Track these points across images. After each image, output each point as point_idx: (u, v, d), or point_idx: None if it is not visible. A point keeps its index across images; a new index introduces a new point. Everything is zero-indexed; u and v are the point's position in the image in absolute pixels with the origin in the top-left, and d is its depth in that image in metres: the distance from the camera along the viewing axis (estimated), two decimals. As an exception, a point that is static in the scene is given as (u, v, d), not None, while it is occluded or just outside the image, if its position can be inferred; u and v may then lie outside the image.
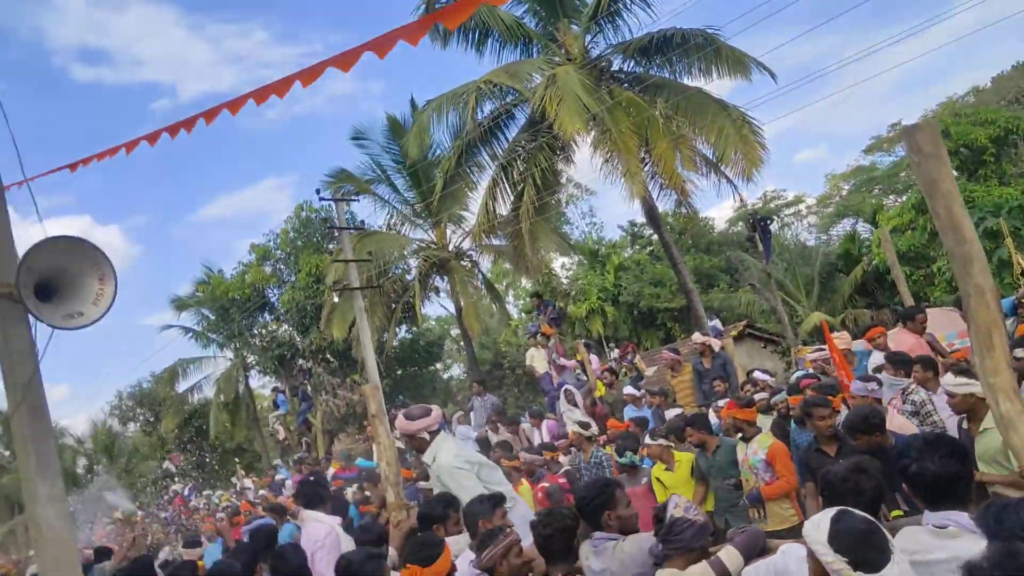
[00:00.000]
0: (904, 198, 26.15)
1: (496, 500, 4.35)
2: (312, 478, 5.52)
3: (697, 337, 11.77)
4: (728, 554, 3.46)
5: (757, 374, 10.47)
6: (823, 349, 9.29)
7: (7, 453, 41.74)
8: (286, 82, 4.54)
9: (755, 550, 3.50)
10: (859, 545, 2.39)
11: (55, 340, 5.56)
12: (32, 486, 5.33)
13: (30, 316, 5.50)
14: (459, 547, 4.25)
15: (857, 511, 2.57)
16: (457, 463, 4.90)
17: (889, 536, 2.46)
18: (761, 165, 16.07)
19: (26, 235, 5.64)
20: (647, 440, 7.43)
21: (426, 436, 5.08)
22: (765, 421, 7.78)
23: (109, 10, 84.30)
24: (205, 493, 25.17)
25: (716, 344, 11.53)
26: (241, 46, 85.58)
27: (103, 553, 10.54)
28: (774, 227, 25.46)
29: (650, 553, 3.57)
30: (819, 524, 2.53)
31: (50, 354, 5.56)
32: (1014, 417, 2.99)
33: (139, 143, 5.74)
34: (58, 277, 5.57)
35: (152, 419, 33.73)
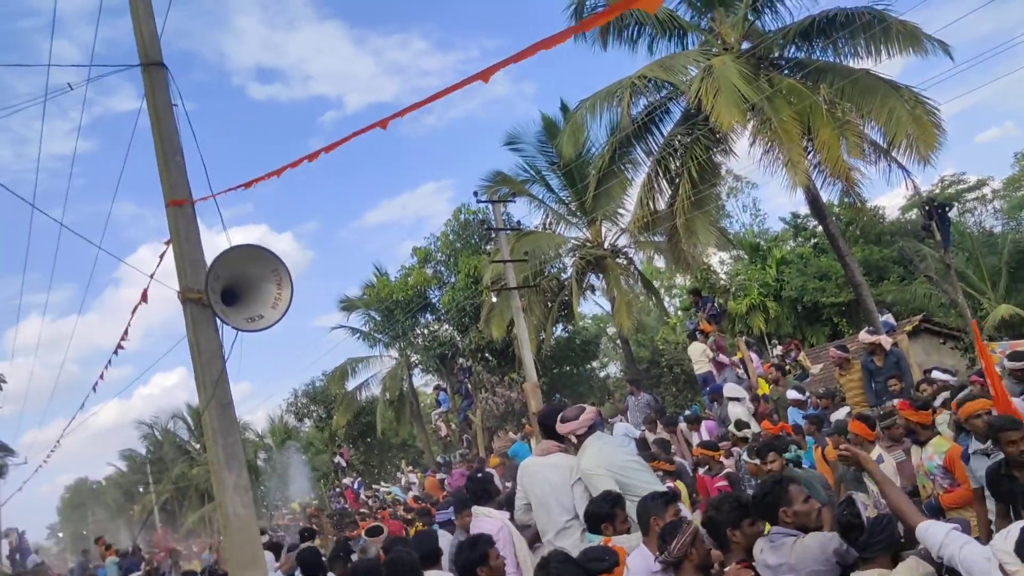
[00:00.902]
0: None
1: (668, 497, 4.37)
2: (480, 475, 5.63)
3: (864, 337, 11.12)
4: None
5: (936, 373, 9.88)
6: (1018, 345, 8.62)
7: (197, 446, 45.16)
8: (436, 97, 4.71)
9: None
10: None
11: (238, 342, 6.00)
12: (220, 476, 5.72)
13: (217, 320, 5.94)
14: (631, 545, 4.32)
15: None
16: (596, 469, 4.90)
17: None
18: (937, 148, 15.05)
19: (210, 245, 6.07)
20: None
21: (573, 439, 5.13)
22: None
23: (283, 30, 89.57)
24: (373, 487, 26.22)
25: (887, 342, 10.87)
26: (401, 56, 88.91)
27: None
28: (953, 213, 23.76)
29: (835, 554, 3.48)
30: (1008, 534, 2.53)
31: (234, 354, 5.99)
32: None
33: (285, 169, 6.06)
34: (241, 283, 5.97)
35: (324, 415, 35.46)
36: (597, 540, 4.50)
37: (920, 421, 6.05)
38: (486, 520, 5.19)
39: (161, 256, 6.16)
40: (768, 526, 3.91)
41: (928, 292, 25.06)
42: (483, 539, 4.55)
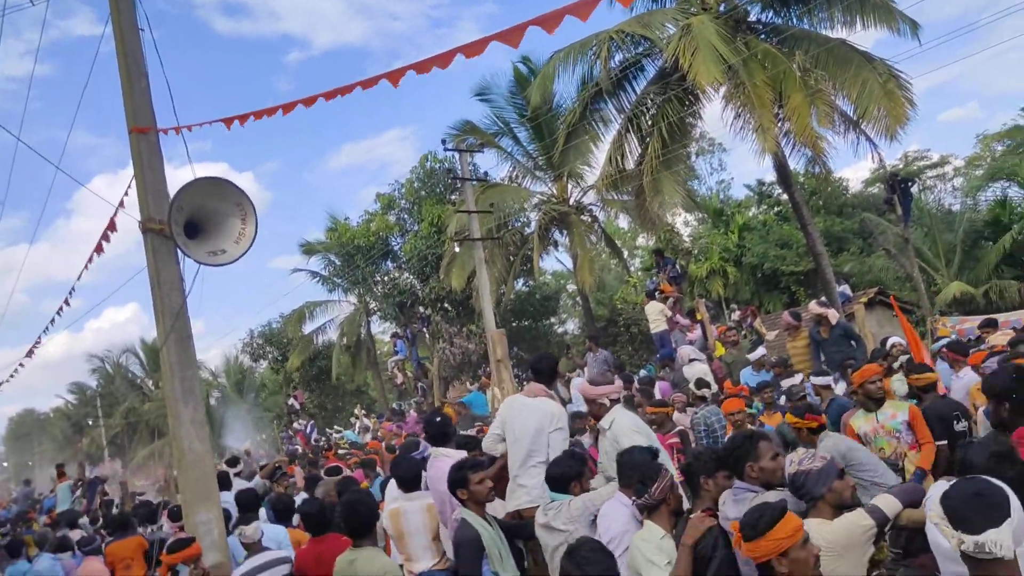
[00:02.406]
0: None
1: (654, 452, 4.53)
2: (438, 417, 5.63)
3: (813, 307, 11.40)
4: (885, 500, 3.53)
5: (894, 339, 10.13)
6: (967, 320, 8.83)
7: (150, 382, 44.72)
8: (449, 55, 4.61)
9: (915, 500, 3.48)
10: (964, 506, 2.46)
11: (198, 276, 5.88)
12: (176, 410, 5.65)
13: (179, 252, 5.81)
14: (605, 497, 4.49)
15: (985, 479, 2.56)
16: (637, 429, 5.10)
17: (1013, 509, 2.43)
18: (906, 122, 15.15)
19: (170, 180, 5.89)
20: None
21: (606, 403, 5.28)
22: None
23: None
24: (326, 431, 26.21)
25: (834, 316, 11.11)
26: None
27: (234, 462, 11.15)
28: (915, 190, 24.09)
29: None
30: (942, 486, 2.66)
31: (195, 288, 5.87)
32: None
33: (276, 111, 5.91)
34: (204, 216, 5.83)
35: (279, 357, 35.26)
36: (563, 499, 4.62)
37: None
38: (444, 460, 5.23)
39: (129, 185, 5.99)
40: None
41: (885, 265, 25.49)
42: (466, 463, 4.77)
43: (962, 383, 7.43)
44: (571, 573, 3.25)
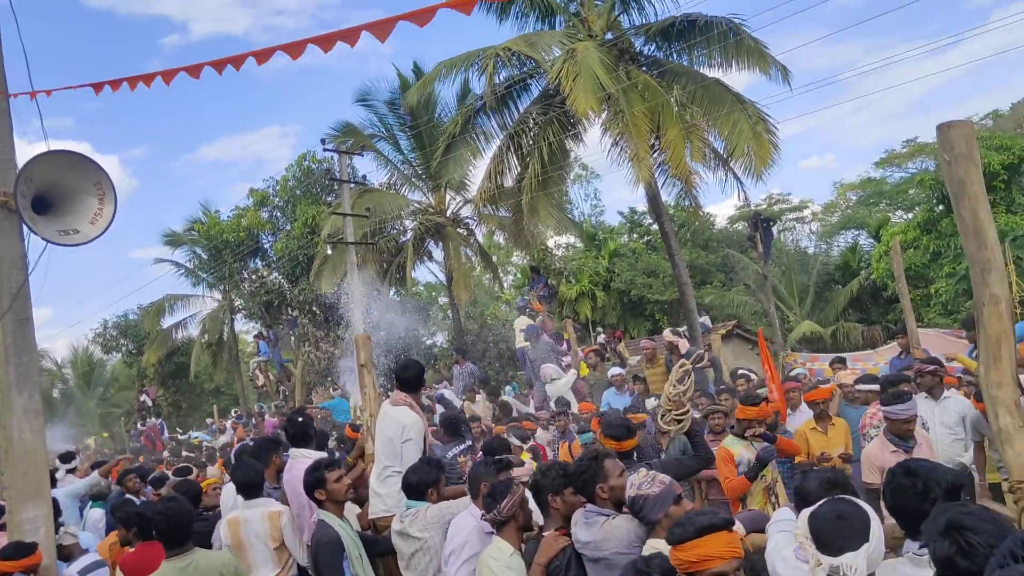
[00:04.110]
0: (911, 216, 26.12)
1: (500, 464, 4.53)
2: (300, 417, 5.48)
3: (666, 335, 11.83)
4: None
5: (742, 371, 10.61)
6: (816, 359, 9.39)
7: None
8: (328, 38, 4.49)
9: (758, 525, 3.59)
10: (827, 528, 2.53)
11: (45, 256, 5.51)
12: (8, 397, 5.27)
13: (24, 227, 5.44)
14: (460, 507, 4.50)
15: (854, 501, 2.65)
16: None
17: (872, 534, 2.52)
18: (772, 164, 15.96)
19: (21, 154, 5.53)
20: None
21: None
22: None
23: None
24: (185, 434, 25.11)
25: (684, 345, 11.53)
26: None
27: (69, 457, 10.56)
28: (775, 230, 25.41)
29: (637, 538, 3.62)
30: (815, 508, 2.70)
31: (40, 269, 5.51)
32: (1012, 432, 2.96)
33: (155, 77, 5.66)
34: (56, 192, 5.50)
35: (134, 351, 33.62)
36: (419, 507, 4.62)
37: (756, 416, 6.24)
38: (304, 460, 5.10)
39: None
40: None
41: (743, 301, 26.67)
42: (322, 463, 4.69)
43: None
44: None
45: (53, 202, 5.44)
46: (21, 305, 5.28)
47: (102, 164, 5.48)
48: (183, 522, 4.37)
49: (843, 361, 12.06)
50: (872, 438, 6.43)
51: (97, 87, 5.55)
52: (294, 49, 4.47)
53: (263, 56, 4.66)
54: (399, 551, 4.67)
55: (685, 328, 15.86)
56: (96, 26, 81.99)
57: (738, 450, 6.09)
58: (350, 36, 4.03)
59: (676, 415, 5.08)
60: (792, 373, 10.52)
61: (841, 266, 28.02)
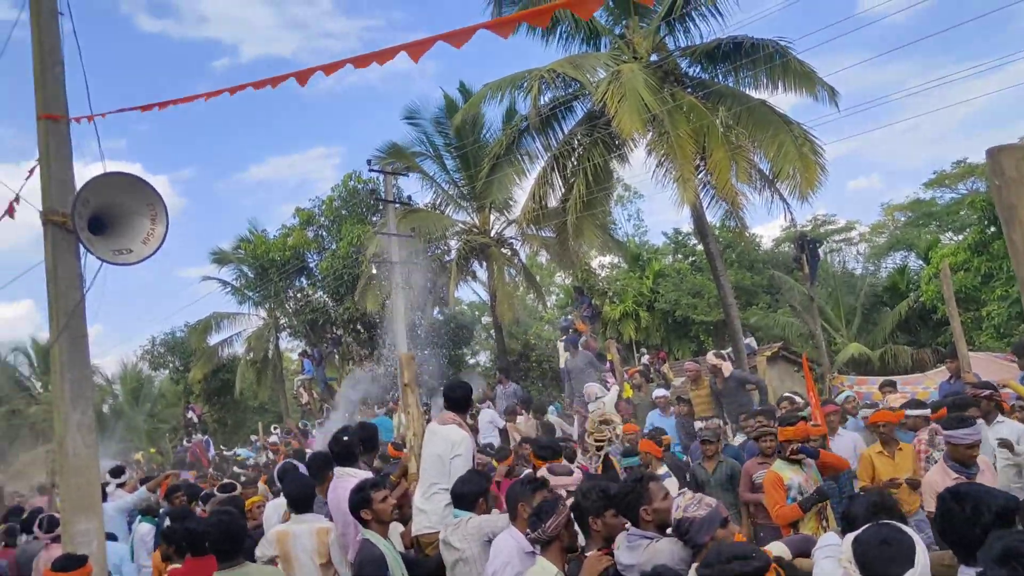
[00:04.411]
0: (961, 237, 25.60)
1: (536, 484, 4.51)
2: (344, 436, 5.51)
3: (709, 358, 11.71)
4: (776, 546, 3.63)
5: (787, 394, 10.49)
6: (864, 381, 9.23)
7: (39, 384, 42.64)
8: (364, 59, 4.56)
9: (805, 549, 3.56)
10: (872, 552, 2.54)
11: (100, 275, 5.64)
12: (64, 412, 5.39)
13: (81, 247, 5.57)
14: (500, 523, 4.53)
15: (899, 526, 2.64)
16: None
17: (918, 561, 2.50)
18: (818, 186, 15.78)
19: (78, 175, 5.68)
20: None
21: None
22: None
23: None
24: (231, 451, 25.42)
25: (728, 368, 11.41)
26: (305, 12, 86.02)
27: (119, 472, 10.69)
28: (822, 251, 25.05)
29: (682, 560, 3.59)
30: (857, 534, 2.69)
31: (95, 288, 5.64)
32: None
33: (221, 93, 5.75)
34: (111, 213, 5.62)
35: (181, 367, 34.15)
36: (467, 515, 4.68)
37: (794, 436, 6.05)
38: (350, 479, 5.14)
39: (30, 172, 5.72)
40: None
41: (789, 322, 26.31)
42: (367, 483, 4.69)
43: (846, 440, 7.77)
44: None
45: (108, 222, 5.56)
46: (77, 323, 5.41)
47: (153, 184, 5.60)
48: (236, 535, 4.44)
49: (893, 384, 11.76)
50: (933, 462, 6.28)
51: (161, 106, 5.68)
52: (331, 68, 4.54)
53: (304, 76, 4.74)
54: (445, 561, 4.73)
55: (730, 350, 15.70)
56: (150, 50, 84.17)
57: (788, 474, 5.96)
58: (386, 56, 4.08)
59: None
60: (841, 396, 10.30)
61: (889, 288, 27.53)
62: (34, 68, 5.63)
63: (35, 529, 7.69)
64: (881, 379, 13.51)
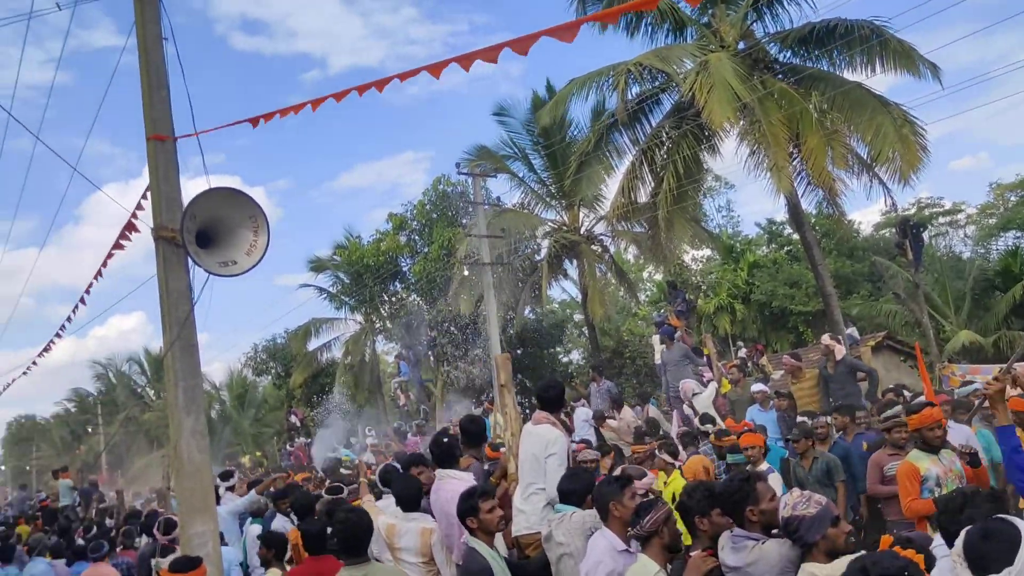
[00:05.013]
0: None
1: (623, 481, 4.48)
2: (445, 438, 5.58)
3: (824, 338, 11.38)
4: None
5: (894, 385, 10.13)
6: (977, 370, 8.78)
7: (151, 392, 44.65)
8: (471, 56, 4.62)
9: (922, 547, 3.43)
10: (977, 548, 2.54)
11: (207, 287, 5.86)
12: (178, 419, 5.61)
13: (189, 261, 5.80)
14: (593, 521, 4.52)
15: (1008, 520, 2.61)
16: None
17: (1019, 557, 2.46)
18: (920, 168, 15.17)
19: (184, 190, 5.93)
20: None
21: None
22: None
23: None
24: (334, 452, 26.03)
25: (840, 351, 11.06)
26: (390, 21, 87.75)
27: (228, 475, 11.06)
28: (926, 236, 24.07)
29: (789, 561, 3.53)
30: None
31: (202, 299, 5.85)
32: None
33: (326, 99, 5.89)
34: (216, 227, 5.82)
35: (282, 373, 35.18)
36: (570, 510, 4.72)
37: (927, 421, 5.67)
38: (452, 481, 5.21)
39: (144, 193, 5.99)
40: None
41: (893, 310, 25.36)
42: (476, 491, 4.71)
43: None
44: None
45: (213, 236, 5.77)
46: (188, 333, 5.63)
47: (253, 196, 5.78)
48: (361, 534, 4.55)
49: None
50: None
51: (254, 122, 5.86)
52: (437, 68, 4.61)
53: (406, 76, 4.84)
54: (549, 557, 4.76)
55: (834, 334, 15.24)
56: (245, 67, 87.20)
57: (925, 465, 5.65)
58: (491, 53, 4.12)
59: None
60: (967, 389, 9.73)
61: (1001, 271, 26.16)
62: (142, 92, 5.88)
63: (154, 531, 8.06)
64: (997, 367, 12.85)
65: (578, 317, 34.33)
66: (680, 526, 4.22)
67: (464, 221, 26.14)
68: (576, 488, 4.80)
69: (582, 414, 13.27)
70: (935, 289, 25.70)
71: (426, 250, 27.69)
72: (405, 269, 29.36)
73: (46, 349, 12.33)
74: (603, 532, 4.32)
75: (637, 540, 4.00)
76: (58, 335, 11.40)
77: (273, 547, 6.24)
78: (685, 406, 12.03)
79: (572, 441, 6.79)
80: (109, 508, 15.72)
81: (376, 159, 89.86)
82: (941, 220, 32.50)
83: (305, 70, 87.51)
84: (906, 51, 15.51)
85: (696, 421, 9.93)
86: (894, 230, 21.84)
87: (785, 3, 16.67)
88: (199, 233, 5.63)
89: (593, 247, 23.35)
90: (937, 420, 5.74)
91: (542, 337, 29.62)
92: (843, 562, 3.33)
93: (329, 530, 5.23)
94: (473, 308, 23.31)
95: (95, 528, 11.99)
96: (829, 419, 8.41)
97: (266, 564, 6.37)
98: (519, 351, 28.77)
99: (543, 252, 23.90)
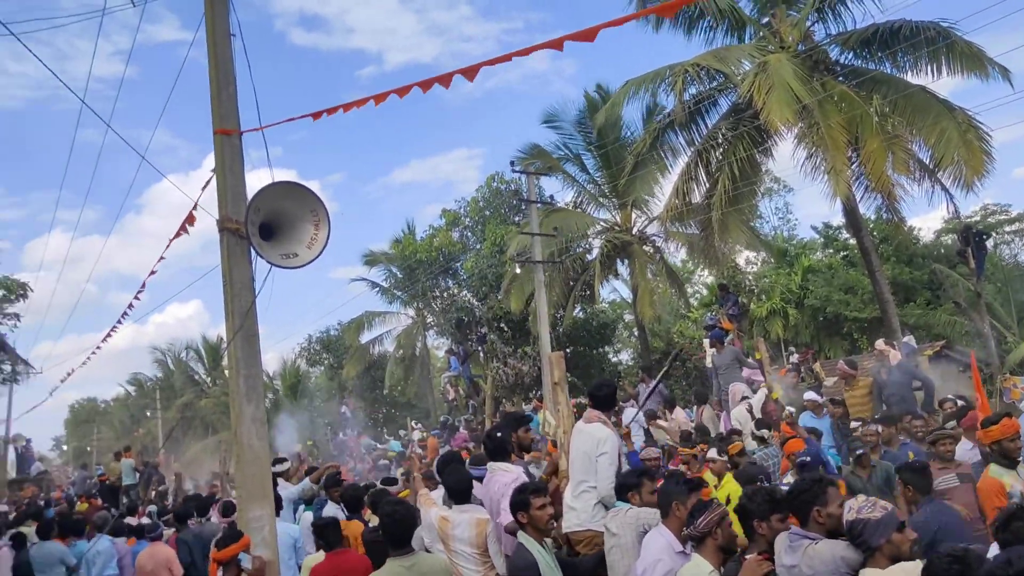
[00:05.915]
0: None
1: (693, 484, 4.55)
2: (498, 432, 5.67)
3: (879, 344, 11.22)
4: None
5: (950, 396, 9.96)
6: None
7: (208, 379, 45.63)
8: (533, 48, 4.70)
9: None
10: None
11: (269, 278, 6.03)
12: (239, 406, 5.79)
13: (252, 252, 5.98)
14: (652, 516, 4.66)
15: None
16: None
17: None
18: (985, 174, 14.81)
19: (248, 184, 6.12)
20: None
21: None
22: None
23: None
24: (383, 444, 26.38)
25: (895, 356, 10.88)
26: (445, 18, 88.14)
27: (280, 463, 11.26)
28: (990, 244, 23.45)
29: (843, 561, 3.53)
30: None
31: (264, 291, 6.03)
32: None
33: (389, 95, 6.02)
34: (278, 219, 5.99)
35: (335, 364, 35.68)
36: (624, 507, 4.91)
37: (1007, 433, 5.49)
38: (503, 474, 5.31)
39: (206, 184, 6.18)
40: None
41: (953, 320, 24.78)
42: (528, 487, 4.78)
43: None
44: None
45: (275, 228, 5.93)
46: (250, 323, 5.80)
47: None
48: (408, 524, 4.67)
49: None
50: None
51: (316, 116, 6.01)
52: (497, 61, 4.75)
53: (471, 72, 4.95)
54: (605, 546, 4.94)
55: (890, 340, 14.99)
56: (303, 62, 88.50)
57: (1008, 481, 5.50)
58: (555, 44, 4.23)
59: None
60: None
61: (1070, 282, 25.46)
62: (210, 87, 6.06)
63: (212, 512, 8.30)
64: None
65: (628, 317, 34.17)
66: (736, 528, 4.24)
67: (517, 219, 26.24)
68: (621, 484, 5.06)
69: (631, 414, 13.28)
70: (997, 299, 25.05)
71: (478, 247, 27.85)
72: (457, 265, 29.57)
73: (109, 335, 12.67)
74: (660, 530, 4.39)
75: (691, 540, 4.06)
76: (120, 321, 11.71)
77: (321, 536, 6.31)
78: (738, 408, 11.94)
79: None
80: (166, 490, 16.18)
81: (429, 155, 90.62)
82: (1007, 228, 31.59)
83: (361, 66, 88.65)
84: (974, 53, 15.14)
85: (752, 426, 9.85)
86: (956, 237, 21.35)
87: (849, 4, 16.43)
88: (262, 225, 5.80)
89: (645, 248, 23.26)
90: (1017, 431, 5.61)
91: (591, 336, 29.58)
92: (900, 568, 3.34)
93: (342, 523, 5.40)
94: (523, 306, 23.38)
95: (154, 508, 12.37)
96: (880, 428, 8.29)
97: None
98: (568, 350, 28.78)
99: (595, 252, 23.87)
